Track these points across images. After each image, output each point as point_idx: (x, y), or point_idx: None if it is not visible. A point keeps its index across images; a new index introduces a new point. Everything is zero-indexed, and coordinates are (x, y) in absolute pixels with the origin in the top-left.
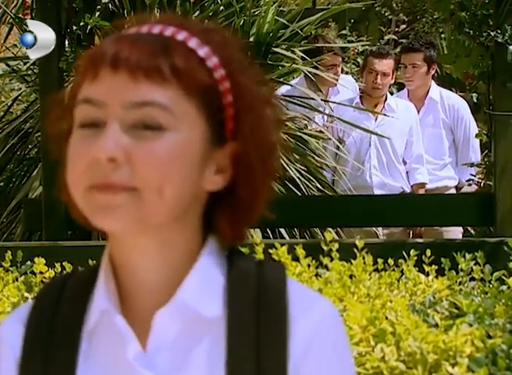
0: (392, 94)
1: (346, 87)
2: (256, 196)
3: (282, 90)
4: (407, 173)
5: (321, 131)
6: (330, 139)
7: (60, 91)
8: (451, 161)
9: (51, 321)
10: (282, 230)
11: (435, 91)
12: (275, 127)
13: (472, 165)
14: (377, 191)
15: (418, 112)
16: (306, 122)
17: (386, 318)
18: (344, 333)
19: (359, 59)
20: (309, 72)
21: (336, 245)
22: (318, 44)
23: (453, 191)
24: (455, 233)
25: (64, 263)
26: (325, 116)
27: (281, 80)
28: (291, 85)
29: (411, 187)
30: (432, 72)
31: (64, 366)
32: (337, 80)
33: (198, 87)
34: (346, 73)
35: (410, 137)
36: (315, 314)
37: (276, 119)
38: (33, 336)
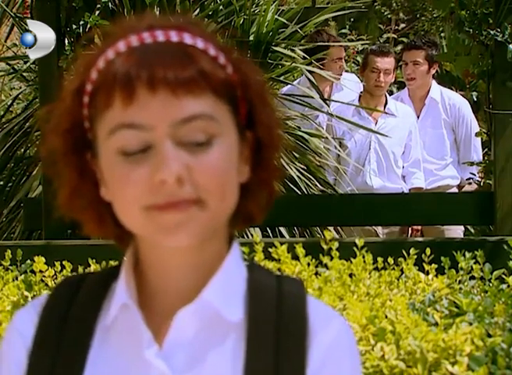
0: (392, 93)
1: (350, 87)
2: (274, 174)
3: (284, 89)
4: (403, 177)
5: (319, 129)
6: (329, 138)
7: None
8: (453, 160)
9: (66, 313)
10: (282, 229)
11: (436, 90)
12: (276, 110)
13: (472, 163)
14: None
15: (419, 112)
16: (306, 121)
17: (386, 317)
18: (357, 351)
19: (359, 58)
20: (310, 70)
21: (336, 244)
22: (319, 43)
23: (455, 189)
24: (456, 231)
25: (64, 262)
26: (327, 116)
27: (281, 79)
28: (293, 84)
29: (408, 191)
30: (433, 71)
31: (74, 358)
32: (340, 74)
33: (225, 90)
34: (346, 71)
35: (409, 141)
36: (334, 329)
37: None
38: (47, 326)
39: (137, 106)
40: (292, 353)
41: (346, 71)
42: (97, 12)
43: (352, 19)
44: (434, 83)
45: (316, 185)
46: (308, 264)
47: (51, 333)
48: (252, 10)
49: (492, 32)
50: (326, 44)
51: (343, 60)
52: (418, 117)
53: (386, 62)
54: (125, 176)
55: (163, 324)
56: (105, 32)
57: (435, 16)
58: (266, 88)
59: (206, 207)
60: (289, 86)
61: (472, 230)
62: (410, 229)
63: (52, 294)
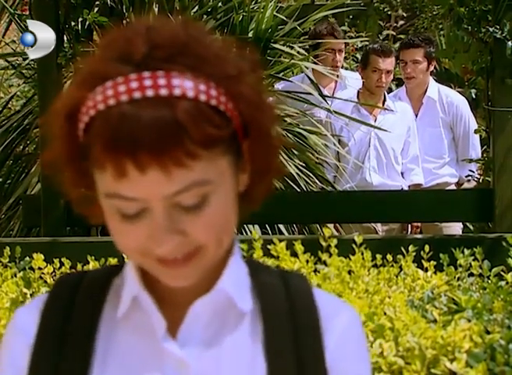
0: (391, 90)
1: (353, 85)
2: (272, 160)
3: (282, 85)
4: (402, 173)
5: (318, 126)
6: (328, 135)
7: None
8: (451, 158)
9: (68, 309)
10: (281, 226)
11: (434, 88)
12: (271, 106)
13: (471, 161)
14: None
15: (417, 111)
16: (306, 118)
17: (385, 313)
18: (364, 336)
19: (358, 55)
20: (309, 67)
21: (335, 241)
22: (318, 40)
23: (454, 187)
24: (455, 228)
25: (63, 259)
26: (327, 113)
27: (280, 75)
28: (290, 81)
29: (408, 187)
30: (431, 68)
31: (79, 352)
32: (336, 67)
33: (219, 140)
34: (346, 68)
35: (408, 137)
36: (345, 316)
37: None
38: (49, 323)
39: (128, 183)
40: (310, 335)
41: (346, 68)
42: (95, 9)
43: (351, 16)
44: (432, 80)
45: (315, 182)
46: (307, 261)
47: (53, 329)
48: (251, 7)
49: (491, 29)
50: (324, 40)
51: (341, 54)
52: (416, 116)
53: (388, 63)
54: (124, 232)
55: (176, 315)
56: (104, 30)
57: (434, 13)
58: (261, 93)
59: (204, 254)
60: (286, 82)
61: (471, 227)
62: (409, 226)
63: (53, 291)
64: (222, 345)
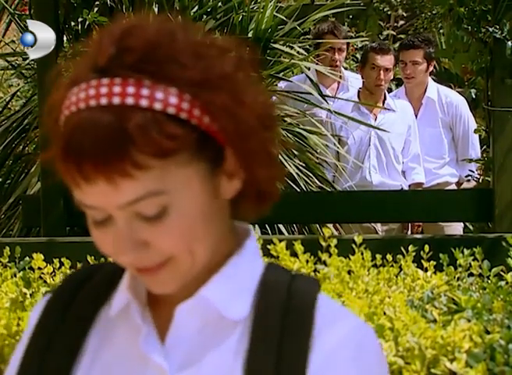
0: (391, 90)
1: (355, 85)
2: (272, 170)
3: (283, 84)
4: (403, 172)
5: (318, 126)
6: (328, 135)
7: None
8: (451, 158)
9: (68, 305)
10: (281, 226)
11: (433, 88)
12: (261, 108)
13: (471, 161)
14: None
15: (417, 111)
16: (306, 118)
17: (384, 313)
18: (376, 355)
19: (358, 55)
20: (309, 67)
21: (335, 241)
22: (319, 41)
23: (454, 186)
24: (456, 228)
25: (62, 259)
26: (327, 113)
27: (280, 75)
28: (290, 81)
29: (409, 186)
30: (431, 69)
31: (66, 350)
32: (335, 66)
33: (177, 148)
34: (345, 68)
35: (409, 136)
36: (340, 331)
37: (256, 96)
38: (46, 319)
39: (81, 192)
40: (294, 355)
41: (346, 68)
42: (95, 9)
43: (351, 16)
44: (431, 80)
45: (315, 182)
46: (307, 261)
47: (48, 324)
48: (251, 7)
49: (490, 29)
50: (323, 40)
51: (340, 53)
52: (416, 116)
53: (386, 60)
54: (98, 238)
55: (168, 319)
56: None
57: (434, 12)
58: (243, 96)
59: (177, 263)
60: (287, 82)
61: (471, 227)
62: (410, 225)
63: (60, 286)
64: (203, 358)
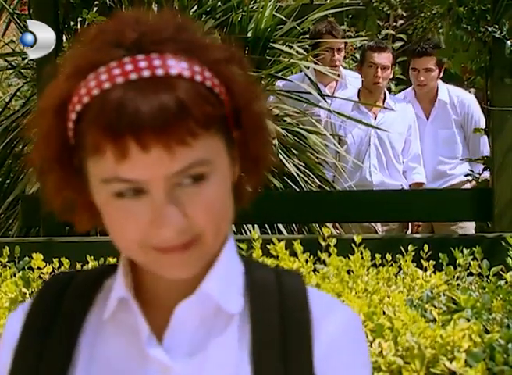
0: (390, 89)
1: (354, 84)
2: (263, 151)
3: (282, 83)
4: (403, 172)
5: (318, 125)
6: (327, 135)
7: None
8: (465, 157)
9: (54, 310)
10: (281, 226)
11: (444, 91)
12: (262, 97)
13: (470, 160)
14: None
15: (428, 114)
16: (306, 117)
17: (384, 313)
18: (365, 341)
19: (357, 54)
20: (308, 66)
21: (334, 241)
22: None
23: (469, 185)
24: (469, 229)
25: (62, 259)
26: (327, 112)
27: (279, 75)
28: (290, 81)
29: (409, 186)
30: (441, 75)
31: (61, 353)
32: (335, 66)
33: (215, 120)
34: (344, 68)
35: (409, 136)
36: (338, 318)
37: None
38: (32, 325)
39: (130, 163)
40: (298, 341)
41: (345, 68)
42: (95, 9)
43: (350, 16)
44: (440, 83)
45: (315, 182)
46: (306, 261)
47: (36, 330)
48: (250, 7)
49: (490, 28)
50: (322, 40)
51: (340, 53)
52: (428, 119)
53: (384, 58)
54: (123, 221)
55: (163, 318)
56: (89, 34)
57: (433, 12)
58: (252, 82)
59: (203, 243)
60: (286, 81)
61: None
62: (410, 225)
63: (40, 292)
64: (207, 352)
